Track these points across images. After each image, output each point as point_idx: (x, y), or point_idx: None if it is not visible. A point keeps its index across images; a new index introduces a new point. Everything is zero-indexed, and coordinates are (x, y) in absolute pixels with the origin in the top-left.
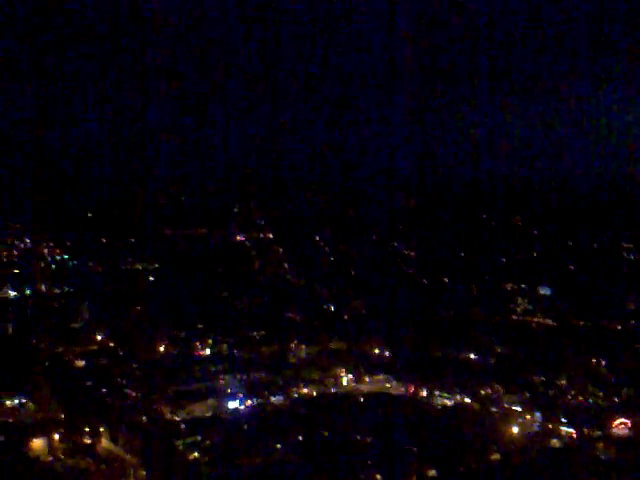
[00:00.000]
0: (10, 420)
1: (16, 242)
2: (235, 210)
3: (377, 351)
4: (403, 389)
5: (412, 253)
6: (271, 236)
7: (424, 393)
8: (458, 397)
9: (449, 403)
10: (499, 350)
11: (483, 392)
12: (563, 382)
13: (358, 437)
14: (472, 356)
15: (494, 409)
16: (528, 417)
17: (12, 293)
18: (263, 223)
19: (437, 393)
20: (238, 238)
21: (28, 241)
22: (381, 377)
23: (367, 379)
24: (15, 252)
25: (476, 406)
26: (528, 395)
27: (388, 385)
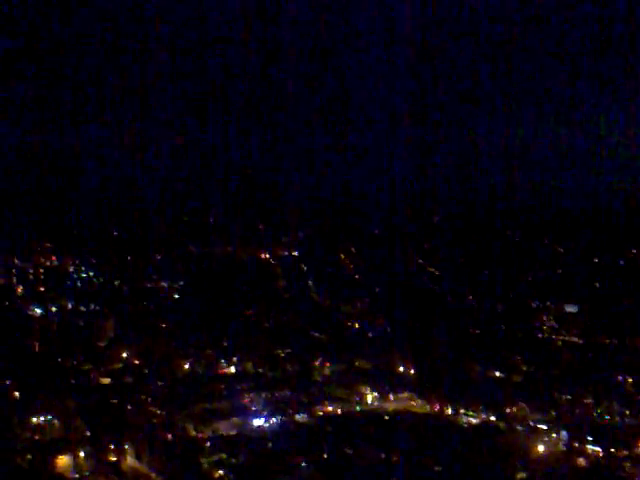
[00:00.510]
0: (36, 437)
1: (42, 260)
2: (260, 228)
3: (402, 369)
4: (428, 407)
5: (437, 271)
6: (296, 254)
7: (449, 411)
8: (483, 415)
9: (474, 421)
10: (525, 368)
11: (509, 410)
12: (589, 400)
13: (383, 455)
14: (497, 374)
15: (520, 427)
16: (554, 436)
17: (38, 311)
18: (288, 241)
19: (462, 411)
20: (263, 256)
21: (54, 259)
22: (406, 395)
23: (392, 397)
24: (41, 270)
25: (502, 424)
26: (554, 413)
27: (413, 403)
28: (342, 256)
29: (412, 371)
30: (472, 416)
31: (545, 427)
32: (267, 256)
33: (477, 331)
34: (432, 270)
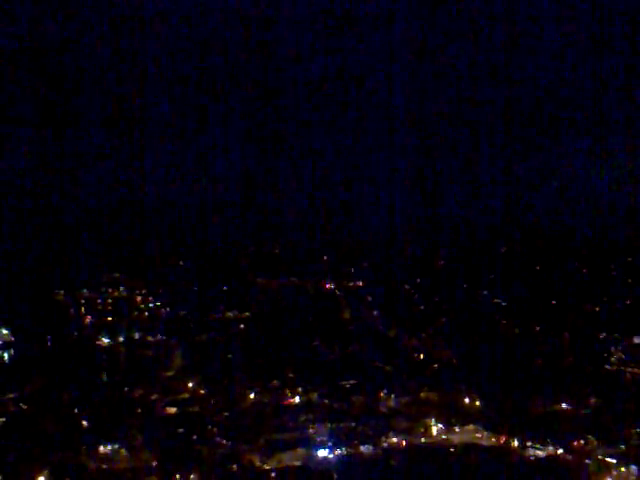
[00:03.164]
0: (104, 466)
1: (110, 290)
2: (325, 259)
3: (467, 401)
4: (494, 440)
5: (502, 302)
6: (361, 284)
7: (515, 444)
8: (551, 448)
9: (542, 454)
10: (593, 401)
11: (576, 443)
12: None
13: None
14: (565, 406)
15: (588, 461)
16: (623, 470)
17: (106, 341)
18: (353, 272)
19: (529, 444)
20: (328, 286)
21: (122, 289)
22: (472, 427)
23: (457, 429)
24: (109, 300)
25: (569, 458)
26: (623, 447)
27: (479, 435)
28: (407, 287)
29: (478, 403)
30: (539, 449)
31: (614, 461)
32: (332, 287)
33: (544, 363)
34: (498, 301)
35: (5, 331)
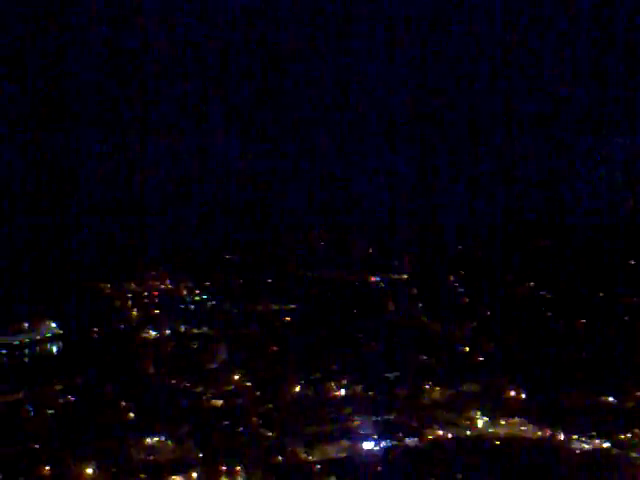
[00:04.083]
0: (150, 458)
1: (156, 283)
2: (370, 252)
3: (513, 393)
4: (539, 433)
5: (548, 294)
6: (405, 277)
7: (561, 437)
8: (597, 441)
9: (587, 448)
10: (639, 393)
11: (623, 437)
12: None
13: None
14: (611, 399)
15: (634, 454)
16: None
17: (153, 333)
18: (397, 264)
19: (575, 437)
20: (373, 279)
21: (168, 282)
22: (517, 420)
23: (502, 422)
24: (155, 293)
25: (615, 451)
26: None
27: (524, 428)
28: (451, 279)
29: (523, 395)
30: (585, 442)
31: None
32: (377, 279)
33: (589, 356)
34: (543, 294)
35: (53, 324)
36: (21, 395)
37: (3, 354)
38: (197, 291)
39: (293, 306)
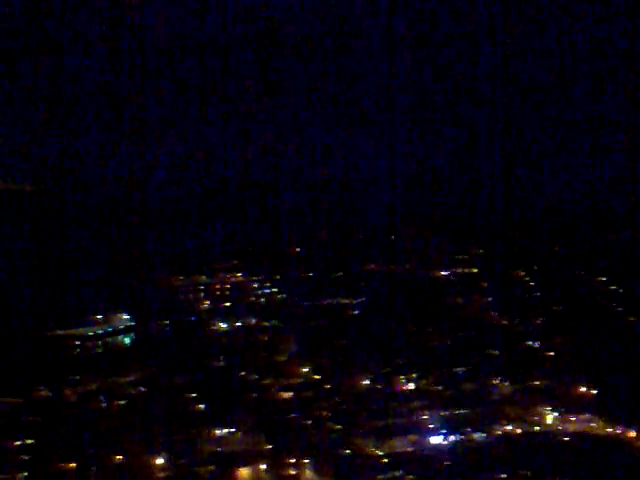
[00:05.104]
0: (218, 449)
1: (227, 276)
2: (437, 246)
3: (583, 389)
4: (610, 430)
5: (619, 289)
6: (475, 271)
7: (632, 434)
8: None
9: None
10: None
11: None
12: None
13: (563, 478)
14: None
15: None
16: None
17: (223, 325)
18: (467, 258)
19: None
20: (441, 273)
21: (239, 275)
22: (587, 417)
23: (572, 418)
24: (226, 286)
25: None
26: None
27: (594, 425)
28: (521, 273)
29: (593, 392)
30: None
31: None
32: (446, 273)
33: None
34: (614, 288)
35: (126, 316)
36: (94, 386)
37: (77, 345)
38: (267, 284)
39: (362, 300)
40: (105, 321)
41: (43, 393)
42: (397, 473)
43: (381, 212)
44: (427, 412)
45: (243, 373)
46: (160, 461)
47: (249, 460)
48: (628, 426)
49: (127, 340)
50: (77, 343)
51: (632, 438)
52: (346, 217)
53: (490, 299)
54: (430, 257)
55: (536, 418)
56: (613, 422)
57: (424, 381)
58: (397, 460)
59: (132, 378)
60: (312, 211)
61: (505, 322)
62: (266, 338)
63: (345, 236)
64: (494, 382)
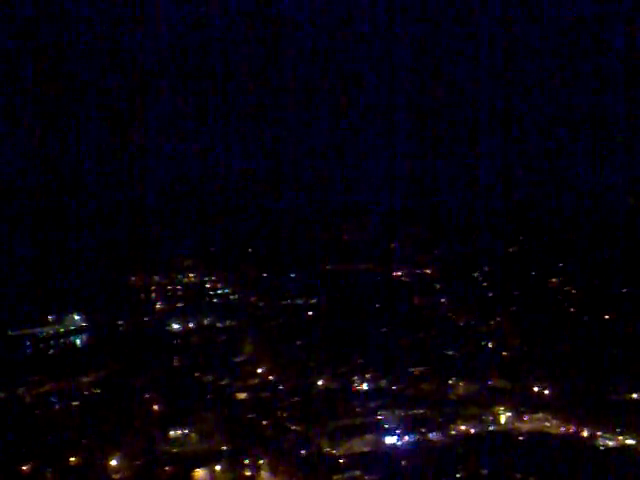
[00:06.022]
0: (174, 450)
1: (179, 277)
2: (393, 246)
3: (537, 389)
4: (563, 429)
5: (573, 289)
6: (429, 272)
7: (585, 433)
8: (621, 438)
9: (612, 444)
10: None
11: None
12: None
13: (518, 476)
14: (635, 396)
15: None
16: None
17: (177, 326)
18: (423, 259)
19: (599, 434)
20: (398, 273)
21: (192, 276)
22: (541, 416)
23: (526, 417)
24: (180, 286)
25: None
26: None
27: (548, 424)
28: (476, 274)
29: (547, 391)
30: (609, 439)
31: None
32: (401, 274)
33: (615, 352)
34: (568, 289)
35: (77, 316)
36: (47, 387)
37: (29, 346)
38: (221, 284)
39: (318, 300)
40: (58, 321)
41: None
42: (356, 473)
43: (340, 211)
44: (385, 412)
45: (199, 374)
46: (115, 462)
47: (206, 461)
48: (582, 425)
49: (78, 341)
50: (28, 344)
51: (585, 437)
52: (302, 218)
53: (445, 299)
54: (385, 258)
55: (492, 418)
56: (567, 421)
57: (382, 381)
58: (355, 460)
59: (87, 379)
60: (272, 212)
61: (461, 322)
62: (221, 339)
63: (299, 237)
64: (450, 382)
